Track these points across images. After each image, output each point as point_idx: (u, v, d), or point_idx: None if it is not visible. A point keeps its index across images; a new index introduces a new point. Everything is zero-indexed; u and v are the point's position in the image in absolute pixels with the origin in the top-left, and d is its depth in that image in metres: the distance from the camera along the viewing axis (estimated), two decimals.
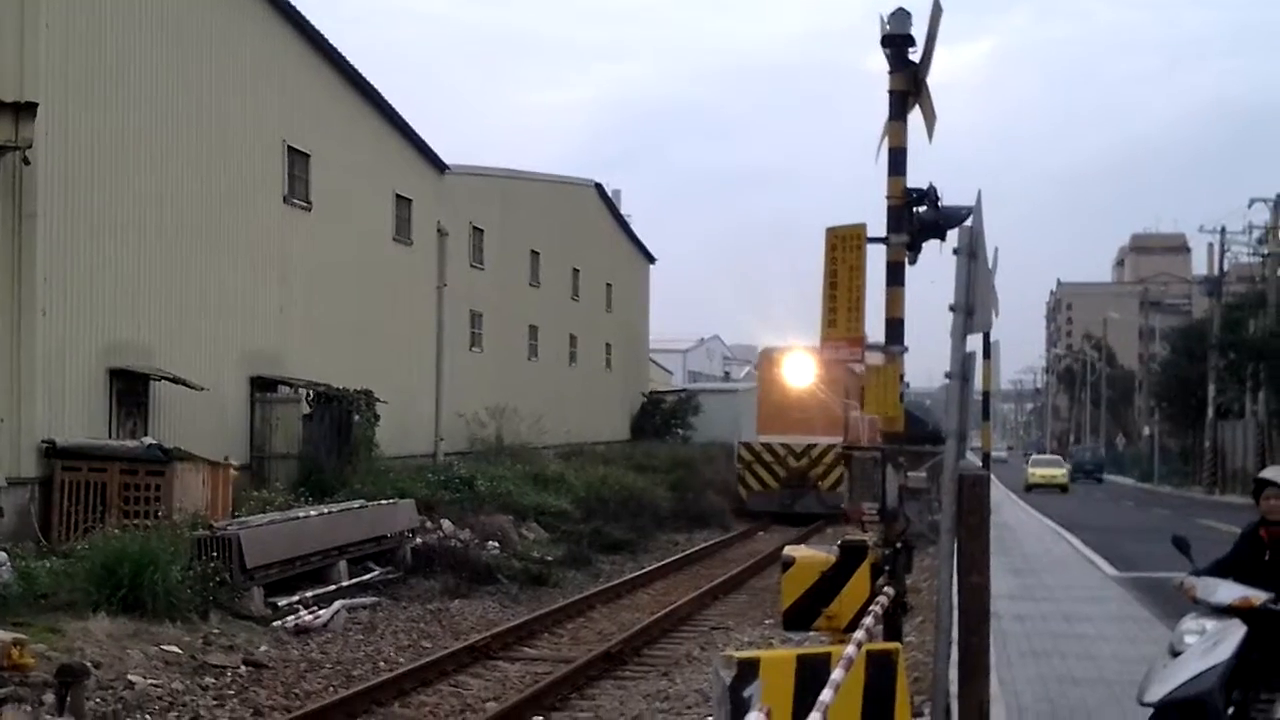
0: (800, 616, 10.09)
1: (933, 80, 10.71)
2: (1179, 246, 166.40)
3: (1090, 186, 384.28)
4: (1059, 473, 70.22)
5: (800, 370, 41.25)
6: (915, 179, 10.87)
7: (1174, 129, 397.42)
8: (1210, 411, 68.64)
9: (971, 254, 9.15)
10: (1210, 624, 8.37)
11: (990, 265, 10.06)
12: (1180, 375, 76.76)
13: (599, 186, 55.41)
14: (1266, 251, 66.63)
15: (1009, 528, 35.23)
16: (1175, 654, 8.39)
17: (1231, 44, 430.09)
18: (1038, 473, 70.01)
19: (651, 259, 63.86)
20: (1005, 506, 48.20)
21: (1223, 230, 70.76)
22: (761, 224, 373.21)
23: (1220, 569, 8.88)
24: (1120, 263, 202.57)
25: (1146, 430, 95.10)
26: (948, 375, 9.34)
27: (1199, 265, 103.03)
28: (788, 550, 10.43)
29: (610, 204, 57.88)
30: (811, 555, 10.18)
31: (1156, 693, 8.26)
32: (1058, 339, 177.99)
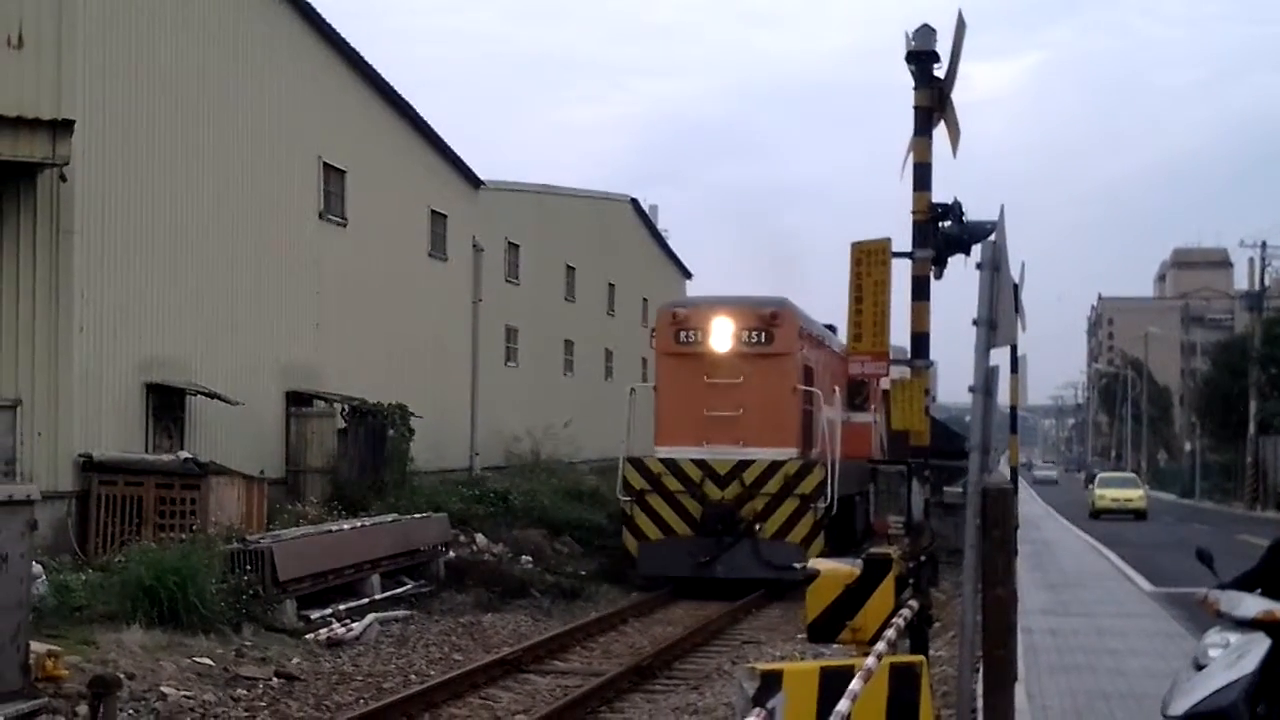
0: (825, 629, 10.15)
1: (974, 96, 10.98)
2: (1221, 261, 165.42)
3: (1132, 201, 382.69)
4: (1135, 494, 56.69)
5: (725, 339, 25.67)
6: (953, 194, 10.91)
7: (1216, 144, 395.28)
8: (1252, 427, 68.06)
9: (995, 268, 9.17)
10: (1234, 637, 8.31)
11: (1016, 280, 10.07)
12: (1221, 390, 76.12)
13: (635, 202, 55.47)
14: None
15: (1047, 544, 35.06)
16: (1199, 667, 8.35)
17: (1274, 59, 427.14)
18: (1108, 495, 57.00)
19: (688, 274, 63.84)
20: (1045, 522, 47.94)
21: (1263, 245, 70.53)
22: (803, 238, 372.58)
23: (1246, 582, 8.82)
24: (1162, 277, 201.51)
25: (1188, 446, 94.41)
26: (971, 389, 9.37)
27: (1240, 280, 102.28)
28: (812, 563, 10.48)
29: (646, 219, 57.93)
30: (836, 568, 10.24)
31: (1180, 706, 8.23)
32: (1099, 354, 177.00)
